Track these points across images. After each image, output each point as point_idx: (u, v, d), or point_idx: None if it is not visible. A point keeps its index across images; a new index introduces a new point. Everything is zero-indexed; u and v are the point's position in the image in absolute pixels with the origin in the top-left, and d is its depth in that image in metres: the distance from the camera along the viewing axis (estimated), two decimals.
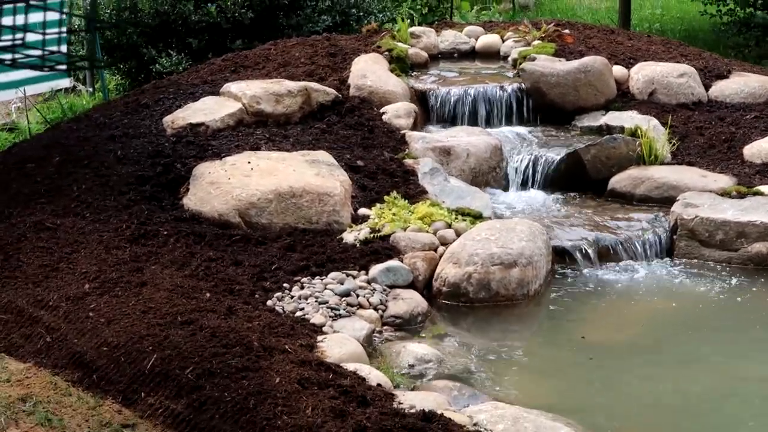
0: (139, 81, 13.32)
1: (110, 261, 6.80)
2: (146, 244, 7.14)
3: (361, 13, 14.46)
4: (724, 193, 8.31)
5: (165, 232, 7.29)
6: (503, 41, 11.45)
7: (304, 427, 4.93)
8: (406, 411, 5.14)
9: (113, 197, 7.76)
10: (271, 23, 13.35)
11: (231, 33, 13.01)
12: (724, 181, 8.59)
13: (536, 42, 11.01)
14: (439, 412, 5.13)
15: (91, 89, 14.29)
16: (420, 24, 14.61)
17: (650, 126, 9.24)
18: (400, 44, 10.90)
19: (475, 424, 5.14)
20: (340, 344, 5.93)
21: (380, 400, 5.24)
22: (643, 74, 10.28)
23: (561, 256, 7.74)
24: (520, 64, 10.34)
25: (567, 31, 11.27)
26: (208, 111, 8.92)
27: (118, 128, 8.91)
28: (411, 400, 5.32)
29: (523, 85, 10.00)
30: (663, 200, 8.51)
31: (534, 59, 10.36)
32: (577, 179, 8.93)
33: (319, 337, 6.04)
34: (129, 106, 9.48)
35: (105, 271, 6.61)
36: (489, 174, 8.85)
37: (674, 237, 8.02)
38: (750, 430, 5.69)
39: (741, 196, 8.25)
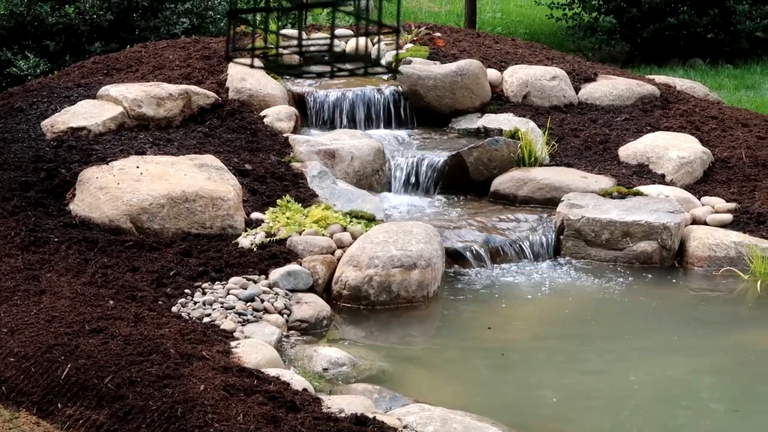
0: None
1: (3, 269, 6.62)
2: (38, 252, 6.96)
3: (218, 16, 14.39)
4: (606, 194, 8.48)
5: (56, 239, 7.12)
6: (373, 44, 11.47)
7: None
8: (337, 415, 5.11)
9: None
10: (128, 25, 13.15)
11: (88, 35, 12.75)
12: (605, 181, 8.78)
13: (408, 45, 11.08)
14: (370, 415, 5.12)
15: None
16: (284, 27, 14.53)
17: (528, 128, 9.37)
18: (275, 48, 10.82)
19: (405, 427, 5.14)
20: (256, 349, 5.87)
21: (309, 405, 5.21)
22: (516, 77, 10.42)
23: (453, 257, 7.80)
24: (395, 66, 10.38)
25: (438, 34, 11.37)
26: (88, 115, 8.71)
27: None
28: (338, 404, 5.29)
29: (401, 88, 10.04)
30: (545, 201, 8.64)
31: (410, 62, 10.41)
32: (460, 181, 9.01)
33: (233, 343, 5.96)
34: (1, 110, 9.20)
35: (0, 280, 6.43)
36: (372, 177, 8.86)
37: (561, 237, 8.15)
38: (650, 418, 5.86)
39: (622, 196, 8.44)
